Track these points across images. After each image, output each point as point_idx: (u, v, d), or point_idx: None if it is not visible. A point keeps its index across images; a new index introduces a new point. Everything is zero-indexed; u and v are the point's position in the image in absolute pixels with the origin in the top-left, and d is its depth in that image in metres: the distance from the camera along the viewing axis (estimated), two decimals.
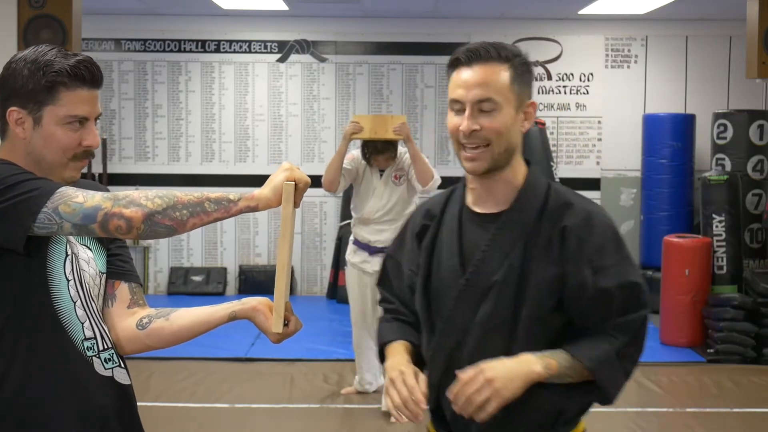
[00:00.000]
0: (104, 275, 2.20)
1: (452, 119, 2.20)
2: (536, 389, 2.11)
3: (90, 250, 2.17)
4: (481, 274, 2.18)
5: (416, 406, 2.07)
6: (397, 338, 2.33)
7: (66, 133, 2.07)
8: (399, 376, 2.13)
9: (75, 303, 2.08)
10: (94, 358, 2.10)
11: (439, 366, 2.24)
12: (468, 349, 2.19)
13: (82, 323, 2.09)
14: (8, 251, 1.99)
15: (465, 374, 2.07)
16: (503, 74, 2.17)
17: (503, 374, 2.05)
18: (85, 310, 2.10)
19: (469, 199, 2.28)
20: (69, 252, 2.10)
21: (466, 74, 2.17)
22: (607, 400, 2.18)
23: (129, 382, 2.18)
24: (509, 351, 2.14)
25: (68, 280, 2.08)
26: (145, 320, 2.20)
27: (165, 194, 1.98)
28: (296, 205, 2.02)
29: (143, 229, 1.95)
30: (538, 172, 2.28)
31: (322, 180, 5.82)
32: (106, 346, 2.13)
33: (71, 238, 2.12)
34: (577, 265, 2.14)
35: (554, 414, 2.19)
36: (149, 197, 1.96)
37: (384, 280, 2.44)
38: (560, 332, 2.18)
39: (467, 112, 2.17)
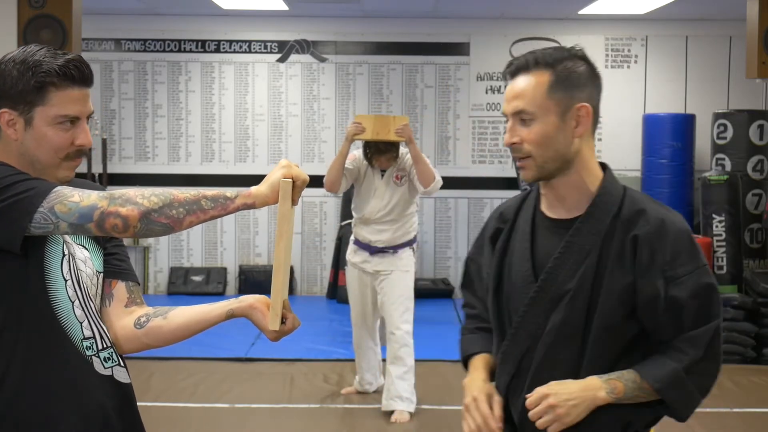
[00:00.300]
0: (101, 274, 2.20)
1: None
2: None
3: (86, 249, 2.17)
4: (554, 282, 2.17)
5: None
6: (479, 351, 2.35)
7: (58, 133, 2.07)
8: (472, 402, 2.17)
9: (73, 303, 2.08)
10: (93, 357, 2.10)
11: (508, 370, 2.24)
12: (538, 355, 2.19)
13: (81, 323, 2.09)
14: (5, 252, 1.99)
15: (530, 399, 2.09)
16: (540, 83, 2.15)
17: (566, 400, 2.07)
18: (83, 309, 2.10)
19: (543, 204, 2.27)
20: (66, 252, 2.10)
21: (508, 87, 2.19)
22: (679, 419, 2.16)
23: (129, 381, 2.18)
24: (580, 359, 2.15)
25: (66, 280, 2.08)
26: (143, 319, 2.20)
27: (161, 192, 1.97)
28: (294, 202, 2.01)
29: (139, 227, 1.95)
30: (614, 178, 2.24)
31: (324, 180, 5.80)
32: (105, 345, 2.13)
33: (67, 238, 2.12)
34: (650, 277, 2.11)
35: (622, 426, 2.17)
36: (145, 195, 1.96)
37: (467, 282, 2.45)
38: (632, 342, 2.16)
39: (508, 125, 2.19)
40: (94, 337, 2.11)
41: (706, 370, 2.12)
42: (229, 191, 2.00)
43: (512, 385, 2.23)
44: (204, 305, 2.20)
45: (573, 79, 2.17)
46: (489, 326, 2.35)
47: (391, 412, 5.71)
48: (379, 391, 6.05)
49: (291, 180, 1.99)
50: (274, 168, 2.02)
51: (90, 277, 2.15)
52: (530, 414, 2.09)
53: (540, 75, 2.15)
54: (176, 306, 2.24)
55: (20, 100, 2.05)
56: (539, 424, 2.09)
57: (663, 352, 2.13)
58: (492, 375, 2.29)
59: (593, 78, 2.23)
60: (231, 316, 2.16)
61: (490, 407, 2.18)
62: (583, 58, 2.22)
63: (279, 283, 2.04)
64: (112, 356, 2.14)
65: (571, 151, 2.17)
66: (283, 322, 2.09)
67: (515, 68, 2.18)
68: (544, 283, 2.17)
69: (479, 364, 2.32)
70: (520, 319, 2.20)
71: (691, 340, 2.11)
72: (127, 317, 2.20)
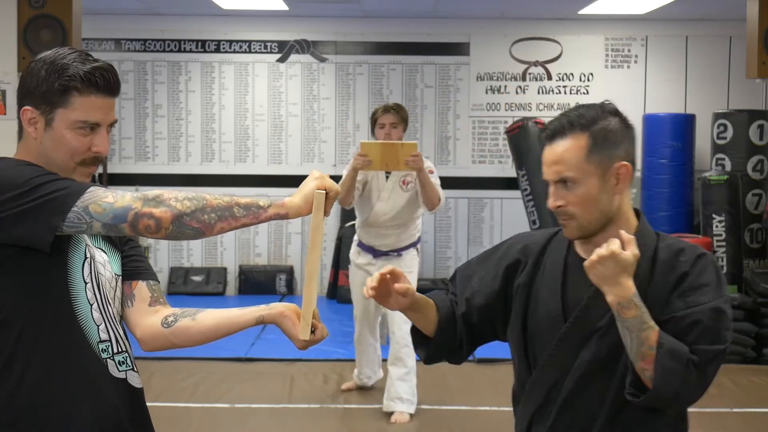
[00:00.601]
0: (119, 278, 2.22)
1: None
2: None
3: (105, 253, 2.19)
4: (586, 319, 2.22)
5: (375, 285, 2.22)
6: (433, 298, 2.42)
7: (76, 137, 2.08)
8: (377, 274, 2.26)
9: (92, 305, 2.10)
10: (108, 360, 2.11)
11: (535, 400, 2.30)
12: (566, 388, 2.24)
13: (98, 326, 2.10)
14: (32, 250, 2.00)
15: (612, 243, 2.10)
16: (579, 147, 2.19)
17: (609, 266, 2.08)
18: (101, 312, 2.11)
19: (579, 247, 2.31)
20: (88, 255, 2.11)
21: (547, 151, 2.22)
22: (655, 391, 2.10)
23: (141, 386, 2.20)
24: (606, 393, 2.20)
25: (86, 283, 2.09)
26: (170, 318, 2.22)
27: (194, 196, 1.99)
28: (326, 213, 2.04)
29: (171, 229, 1.97)
30: (647, 224, 2.29)
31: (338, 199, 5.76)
32: (120, 349, 2.14)
33: (88, 240, 2.13)
34: (674, 300, 2.16)
35: None
36: (179, 198, 1.97)
37: (452, 281, 2.50)
38: None
39: (551, 189, 2.23)
40: (110, 341, 2.12)
41: (698, 378, 2.12)
42: (263, 200, 2.03)
43: (537, 414, 2.29)
44: (234, 309, 2.22)
45: (609, 139, 2.20)
46: (453, 300, 2.42)
47: (392, 413, 5.71)
48: (377, 387, 6.06)
49: (324, 192, 2.01)
50: (306, 179, 2.04)
51: (109, 281, 2.16)
52: (609, 242, 2.10)
53: (577, 139, 2.19)
54: (203, 308, 2.26)
55: (43, 100, 2.07)
56: (596, 252, 2.10)
57: None
58: (424, 311, 2.37)
59: (628, 132, 2.25)
60: (261, 322, 2.18)
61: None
62: (616, 113, 2.24)
63: (311, 293, 2.07)
64: (126, 360, 2.15)
65: (612, 208, 2.22)
66: (312, 332, 2.10)
67: (551, 133, 2.22)
68: (576, 320, 2.22)
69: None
70: (550, 354, 2.26)
71: (700, 355, 2.12)
72: (152, 316, 2.22)
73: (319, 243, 2.06)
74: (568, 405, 2.23)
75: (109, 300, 2.15)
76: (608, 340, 2.18)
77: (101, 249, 2.18)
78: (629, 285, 2.10)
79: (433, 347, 2.42)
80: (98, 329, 2.10)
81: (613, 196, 2.21)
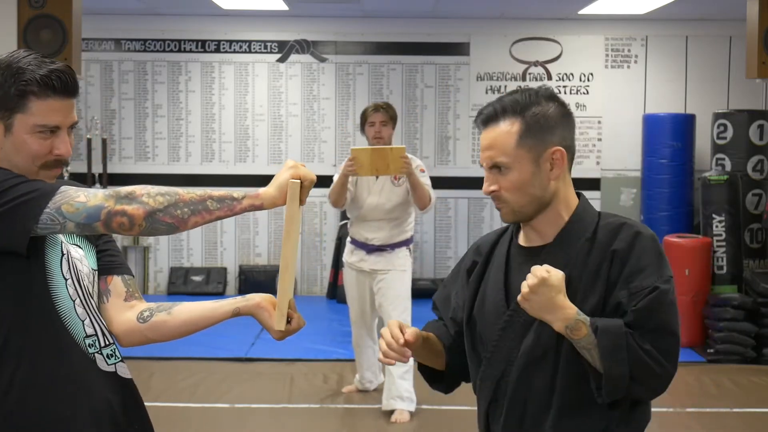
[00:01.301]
0: (96, 272, 2.21)
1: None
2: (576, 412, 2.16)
3: (80, 248, 2.18)
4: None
5: (400, 348, 2.19)
6: (431, 329, 2.42)
7: (36, 142, 2.06)
8: (386, 330, 2.22)
9: (74, 301, 2.09)
10: (96, 354, 2.11)
11: (486, 395, 2.28)
12: (512, 378, 2.22)
13: (83, 321, 2.10)
14: (9, 254, 1.99)
15: (537, 271, 2.10)
16: (510, 133, 2.18)
17: (543, 294, 2.07)
18: (84, 307, 2.11)
19: (521, 237, 2.31)
20: (65, 251, 2.11)
21: (482, 137, 2.23)
22: (601, 370, 2.10)
23: (130, 377, 2.19)
24: (553, 380, 2.17)
25: (66, 279, 2.09)
26: (146, 313, 2.21)
27: (167, 191, 1.98)
28: (301, 203, 2.02)
29: (145, 225, 1.96)
30: (588, 205, 2.28)
31: (329, 199, 5.82)
32: (107, 342, 2.14)
33: (63, 237, 2.12)
34: (618, 289, 2.14)
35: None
36: (151, 194, 1.97)
37: (434, 306, 2.50)
38: None
39: (486, 174, 2.24)
40: (96, 335, 2.12)
41: (651, 362, 2.12)
42: (236, 192, 2.02)
43: (491, 411, 2.27)
44: (209, 302, 2.22)
45: (543, 124, 2.18)
46: (447, 332, 2.42)
47: (392, 412, 5.71)
48: (379, 390, 6.06)
49: (299, 181, 2.00)
50: (281, 169, 2.03)
51: (87, 276, 2.15)
52: (533, 270, 2.10)
53: (510, 124, 2.18)
54: (179, 302, 2.25)
55: (1, 105, 2.04)
56: (524, 285, 2.10)
57: None
58: (431, 345, 2.37)
59: (564, 117, 2.22)
60: (237, 314, 2.17)
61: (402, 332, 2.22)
62: (552, 98, 2.21)
63: (286, 283, 2.06)
64: (114, 353, 2.15)
65: (547, 194, 2.21)
66: (288, 322, 2.10)
67: (485, 118, 2.21)
68: (517, 308, 2.19)
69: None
70: (495, 344, 2.24)
71: (649, 340, 2.12)
72: (128, 311, 2.22)
73: (295, 233, 2.04)
74: (517, 399, 2.20)
75: (90, 294, 2.14)
76: (548, 327, 2.15)
77: (76, 245, 2.17)
78: (568, 305, 2.10)
79: (450, 378, 2.44)
80: (83, 324, 2.09)
81: (548, 181, 2.19)
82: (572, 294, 2.14)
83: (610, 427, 2.16)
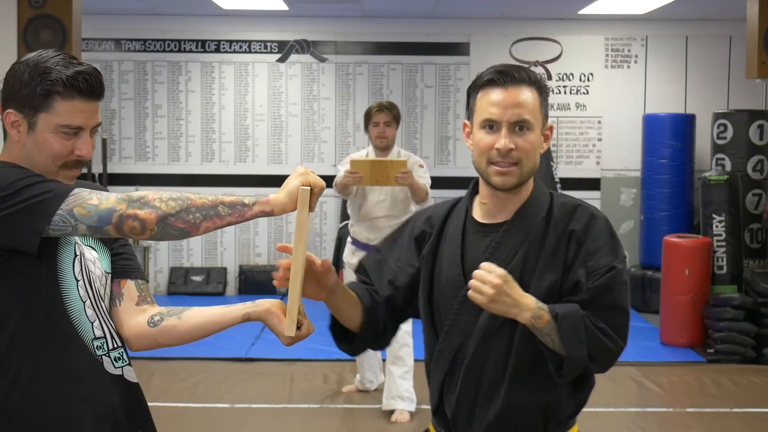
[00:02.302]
0: (109, 275, 2.21)
1: (485, 137, 2.26)
2: (523, 391, 2.22)
3: (95, 250, 2.18)
4: None
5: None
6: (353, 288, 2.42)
7: (58, 141, 2.07)
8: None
9: (84, 303, 2.10)
10: (103, 357, 2.11)
11: (442, 368, 2.31)
12: (469, 351, 2.26)
13: (92, 323, 2.10)
14: (21, 253, 2.00)
15: (485, 267, 2.15)
16: (535, 98, 2.27)
17: (504, 295, 2.12)
18: (94, 309, 2.11)
19: (477, 212, 2.34)
20: (77, 252, 2.11)
21: (501, 95, 2.25)
22: (568, 357, 2.17)
23: (137, 381, 2.20)
24: (508, 353, 2.22)
25: (77, 281, 2.09)
26: (156, 318, 2.22)
27: (179, 197, 1.99)
28: (311, 209, 2.04)
29: (156, 230, 1.97)
30: (542, 185, 2.35)
31: (335, 188, 5.85)
32: (115, 345, 2.14)
33: (78, 238, 2.12)
34: (575, 268, 2.21)
35: (544, 411, 2.24)
36: (163, 199, 1.97)
37: (360, 269, 2.49)
38: None
39: (503, 131, 2.24)
40: (104, 337, 2.12)
41: (606, 340, 2.18)
42: (247, 198, 2.02)
43: (446, 382, 2.31)
44: (220, 307, 2.22)
45: (546, 100, 2.32)
46: (372, 292, 2.42)
47: (392, 412, 5.72)
48: (379, 390, 6.06)
49: (309, 188, 2.01)
50: (291, 175, 2.04)
51: (99, 278, 2.16)
52: (475, 275, 2.14)
53: (532, 90, 2.27)
54: (188, 306, 2.25)
55: (26, 103, 2.06)
56: (471, 285, 2.14)
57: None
58: (349, 299, 2.38)
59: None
60: (248, 319, 2.18)
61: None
62: (545, 80, 2.37)
63: (296, 289, 2.07)
64: (122, 356, 2.16)
65: (536, 165, 2.30)
66: (298, 328, 2.11)
67: (513, 79, 2.25)
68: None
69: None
70: (453, 317, 2.28)
71: (604, 318, 2.20)
72: (139, 315, 2.22)
73: (304, 239, 2.06)
74: (472, 370, 2.25)
75: (101, 297, 2.15)
76: None
77: (91, 246, 2.17)
78: (526, 295, 2.16)
79: (360, 339, 2.44)
80: (92, 326, 2.10)
81: (539, 154, 2.29)
82: (529, 271, 2.21)
83: (559, 398, 2.24)
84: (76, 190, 2.00)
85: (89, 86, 2.07)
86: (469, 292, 2.15)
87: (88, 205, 1.97)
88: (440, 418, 2.35)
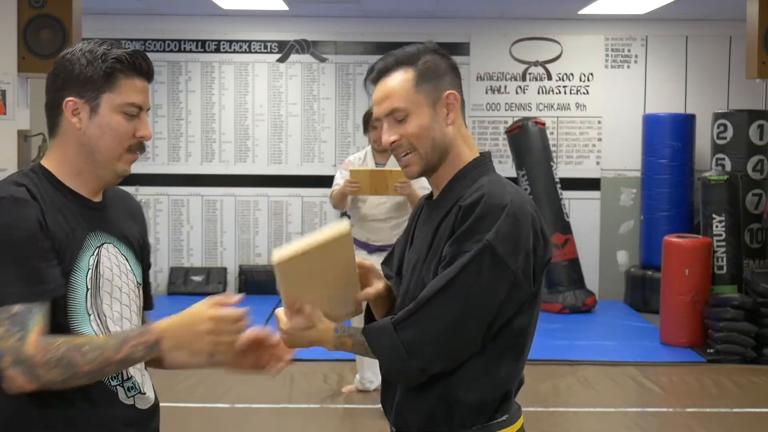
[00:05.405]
0: (141, 286, 2.21)
1: (382, 134, 2.25)
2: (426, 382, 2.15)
3: (128, 261, 2.16)
4: (411, 261, 2.28)
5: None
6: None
7: (122, 122, 2.07)
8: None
9: (98, 335, 2.06)
10: (118, 387, 2.09)
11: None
12: None
13: None
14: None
15: (278, 315, 2.18)
16: (407, 80, 2.22)
17: (302, 337, 2.15)
18: None
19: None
20: (89, 286, 2.06)
21: (376, 91, 2.25)
22: (385, 371, 2.17)
23: (148, 407, 2.19)
24: None
25: (89, 315, 2.05)
26: None
27: (68, 362, 1.91)
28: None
29: (28, 390, 1.93)
30: (480, 165, 2.26)
31: (330, 201, 5.93)
32: (128, 375, 2.12)
33: (104, 257, 2.08)
34: (450, 243, 2.13)
35: (447, 403, 2.15)
36: (50, 364, 1.90)
37: (384, 262, 2.50)
38: None
39: (384, 126, 2.24)
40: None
41: (414, 326, 2.10)
42: (140, 350, 1.96)
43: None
44: None
45: (434, 71, 2.23)
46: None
47: None
48: (379, 390, 6.05)
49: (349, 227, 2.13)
50: (197, 313, 2.03)
51: (128, 294, 2.14)
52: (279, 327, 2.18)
53: (404, 73, 2.22)
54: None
55: (89, 86, 2.05)
56: (289, 343, 2.19)
57: None
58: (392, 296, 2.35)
59: (452, 67, 2.29)
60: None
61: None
62: (437, 51, 2.28)
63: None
64: (135, 385, 2.14)
65: (447, 140, 2.23)
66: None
67: (378, 73, 2.25)
68: (409, 260, 2.28)
69: None
70: (400, 301, 2.28)
71: (417, 300, 2.12)
72: None
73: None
74: None
75: (114, 325, 2.10)
76: (414, 277, 2.22)
77: (123, 255, 2.15)
78: (322, 329, 2.15)
79: None
80: None
81: (446, 126, 2.22)
82: (433, 249, 2.18)
83: (451, 390, 2.16)
84: (5, 308, 1.93)
85: (148, 66, 2.10)
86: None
87: None
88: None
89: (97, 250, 2.08)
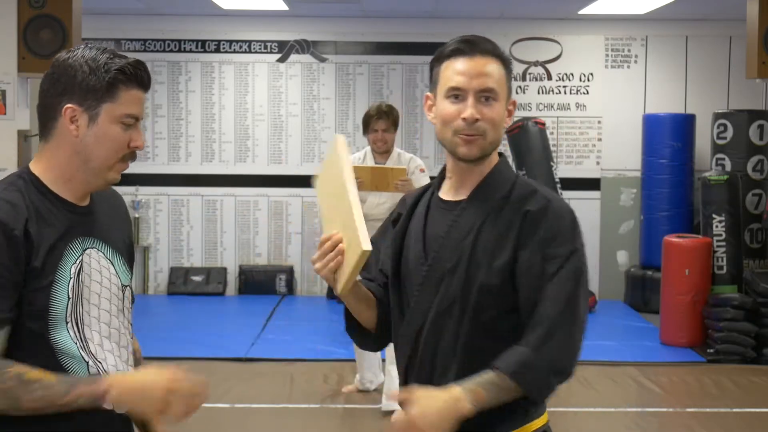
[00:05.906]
0: (128, 288, 2.20)
1: (449, 107, 2.22)
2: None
3: (112, 264, 2.15)
4: (440, 260, 2.22)
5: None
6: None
7: (119, 132, 2.08)
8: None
9: (76, 344, 2.05)
10: None
11: (405, 352, 2.28)
12: (426, 333, 2.22)
13: (87, 362, 2.06)
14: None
15: (397, 422, 2.06)
16: (500, 69, 2.23)
17: (433, 420, 2.03)
18: (85, 350, 2.07)
19: (443, 188, 2.33)
20: (71, 295, 2.05)
21: (467, 64, 2.21)
22: (533, 402, 2.15)
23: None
24: (458, 332, 2.17)
25: (67, 323, 2.04)
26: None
27: (14, 394, 1.92)
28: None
29: None
30: (507, 164, 2.31)
31: None
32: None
33: (87, 265, 2.08)
34: (531, 250, 2.15)
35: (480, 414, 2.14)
36: None
37: (365, 269, 2.46)
38: (510, 311, 2.17)
39: (470, 101, 2.20)
40: (99, 375, 2.07)
41: (556, 347, 2.11)
42: (85, 397, 1.96)
43: (409, 366, 2.26)
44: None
45: (511, 75, 2.29)
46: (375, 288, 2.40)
47: (392, 412, 5.70)
48: (379, 390, 6.06)
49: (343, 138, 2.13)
50: (150, 374, 2.04)
51: (115, 294, 2.14)
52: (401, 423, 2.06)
53: (498, 62, 2.24)
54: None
55: (90, 95, 2.06)
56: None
57: (519, 338, 2.15)
58: (363, 293, 2.35)
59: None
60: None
61: None
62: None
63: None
64: None
65: (500, 139, 2.27)
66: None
67: (479, 48, 2.22)
68: (433, 262, 2.22)
69: None
70: (415, 299, 2.25)
71: (542, 319, 2.12)
72: None
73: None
74: (429, 350, 2.21)
75: (100, 324, 2.09)
76: (455, 280, 2.18)
77: (108, 259, 2.14)
78: (452, 395, 2.05)
79: (381, 333, 2.39)
80: (87, 366, 2.06)
81: (503, 126, 2.25)
82: (483, 250, 2.17)
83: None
84: None
85: (148, 77, 2.14)
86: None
87: None
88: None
89: (80, 258, 2.07)
